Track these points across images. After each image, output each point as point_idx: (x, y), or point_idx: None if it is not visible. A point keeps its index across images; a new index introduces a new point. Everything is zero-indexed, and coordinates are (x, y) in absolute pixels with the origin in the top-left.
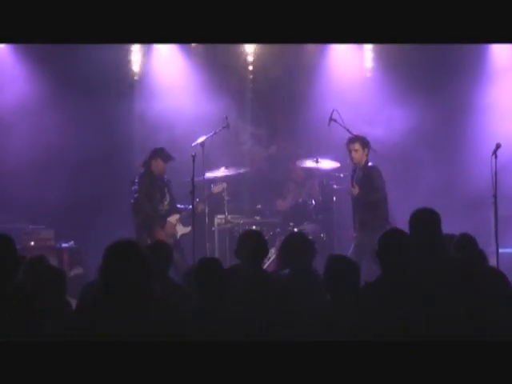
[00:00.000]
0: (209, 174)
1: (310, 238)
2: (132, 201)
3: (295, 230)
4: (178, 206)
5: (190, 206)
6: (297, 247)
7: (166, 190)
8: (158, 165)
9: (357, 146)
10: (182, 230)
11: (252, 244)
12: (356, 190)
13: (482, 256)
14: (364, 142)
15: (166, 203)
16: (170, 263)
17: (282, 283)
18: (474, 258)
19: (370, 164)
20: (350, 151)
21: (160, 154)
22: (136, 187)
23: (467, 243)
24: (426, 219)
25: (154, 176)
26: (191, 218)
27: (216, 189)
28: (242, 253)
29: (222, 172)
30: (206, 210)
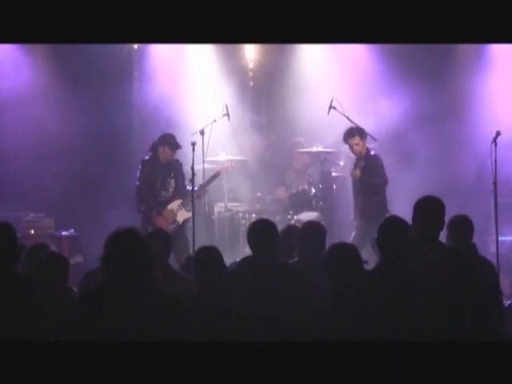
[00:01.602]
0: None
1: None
2: (135, 186)
3: (295, 218)
4: (188, 187)
5: (196, 188)
6: (318, 238)
7: (171, 175)
8: (165, 152)
9: (356, 139)
10: (184, 215)
11: (264, 234)
12: (358, 172)
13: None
14: (362, 133)
15: (171, 190)
16: (169, 251)
17: (298, 271)
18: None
19: (371, 153)
20: (350, 145)
21: (168, 141)
22: (138, 174)
23: (465, 227)
24: (432, 207)
25: (158, 162)
26: (192, 204)
27: (223, 169)
28: (254, 243)
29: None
30: (206, 198)
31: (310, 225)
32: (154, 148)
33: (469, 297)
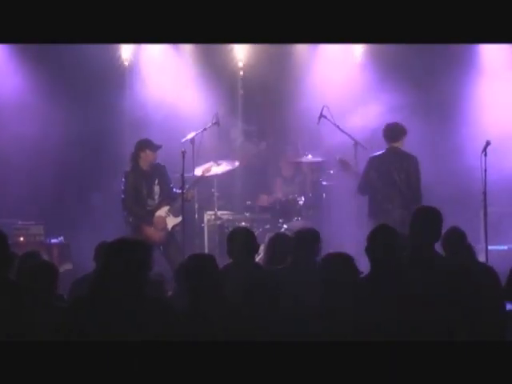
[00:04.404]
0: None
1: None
2: (121, 199)
3: (284, 226)
4: (174, 190)
5: (180, 192)
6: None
7: (156, 182)
8: (147, 156)
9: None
10: (173, 221)
11: (242, 241)
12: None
13: (470, 251)
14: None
15: (156, 197)
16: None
17: (279, 277)
18: (461, 253)
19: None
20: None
21: (147, 144)
22: (122, 187)
23: (455, 238)
24: (429, 217)
25: (140, 171)
26: (181, 212)
27: (206, 170)
28: (234, 251)
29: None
30: (196, 206)
31: (304, 231)
32: (135, 157)
33: (465, 303)
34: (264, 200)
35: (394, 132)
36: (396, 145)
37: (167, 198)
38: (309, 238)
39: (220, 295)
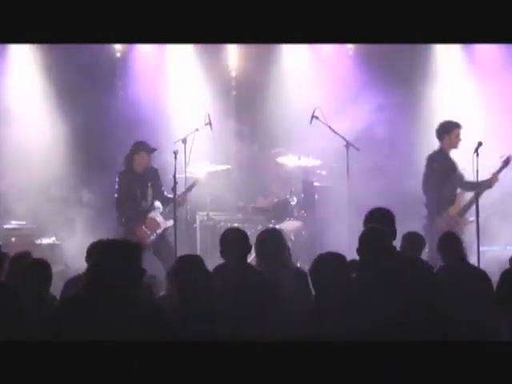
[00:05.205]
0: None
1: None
2: (115, 199)
3: (276, 226)
4: (166, 194)
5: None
6: (270, 244)
7: (149, 185)
8: (142, 158)
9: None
10: (164, 224)
11: (235, 242)
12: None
13: (462, 255)
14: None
15: (149, 199)
16: None
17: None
18: (454, 257)
19: None
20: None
21: (143, 147)
22: (116, 186)
23: (449, 242)
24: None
25: (133, 173)
26: (173, 212)
27: (203, 177)
28: (227, 252)
29: (205, 168)
30: (188, 207)
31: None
32: (129, 159)
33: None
34: (261, 202)
35: (436, 131)
36: (440, 143)
37: (160, 200)
38: (269, 238)
39: (209, 295)
